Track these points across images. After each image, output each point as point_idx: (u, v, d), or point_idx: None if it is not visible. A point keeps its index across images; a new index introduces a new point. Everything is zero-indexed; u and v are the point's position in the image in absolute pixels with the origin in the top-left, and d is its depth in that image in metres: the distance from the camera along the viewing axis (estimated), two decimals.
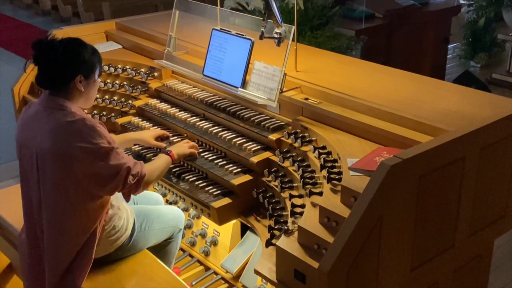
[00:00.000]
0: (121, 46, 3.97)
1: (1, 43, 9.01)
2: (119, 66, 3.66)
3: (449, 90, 2.84)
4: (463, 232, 2.32)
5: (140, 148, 3.11)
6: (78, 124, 2.39)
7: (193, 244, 3.51)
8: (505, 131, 2.33)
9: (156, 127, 3.21)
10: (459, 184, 2.22)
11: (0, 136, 5.55)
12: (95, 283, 2.62)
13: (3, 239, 3.10)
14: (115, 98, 3.56)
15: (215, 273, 3.35)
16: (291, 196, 2.43)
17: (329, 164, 2.34)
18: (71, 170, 2.38)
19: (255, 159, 2.70)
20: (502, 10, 7.04)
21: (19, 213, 2.65)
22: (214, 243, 3.40)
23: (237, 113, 3.00)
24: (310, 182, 2.38)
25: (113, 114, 3.48)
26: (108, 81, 3.63)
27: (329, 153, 2.47)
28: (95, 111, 3.53)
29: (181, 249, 3.46)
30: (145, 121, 3.29)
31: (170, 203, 3.55)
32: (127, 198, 2.56)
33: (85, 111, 3.47)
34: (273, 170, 2.66)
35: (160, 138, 3.06)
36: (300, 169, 2.49)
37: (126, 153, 3.05)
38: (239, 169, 2.73)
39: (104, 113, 3.51)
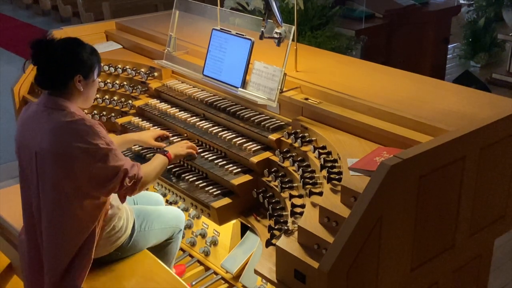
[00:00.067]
0: (121, 46, 3.97)
1: (1, 43, 9.01)
2: (119, 66, 3.66)
3: (449, 90, 2.84)
4: (463, 232, 2.32)
5: (140, 148, 3.11)
6: (77, 124, 2.39)
7: (193, 244, 3.51)
8: (505, 131, 2.33)
9: (156, 127, 3.21)
10: (459, 184, 2.22)
11: (0, 136, 5.55)
12: (95, 283, 2.62)
13: (3, 239, 3.10)
14: (115, 98, 3.56)
15: (215, 273, 3.35)
16: (291, 196, 2.43)
17: (329, 164, 2.34)
18: (71, 170, 2.38)
19: (255, 159, 2.70)
20: (502, 10, 7.04)
21: (19, 213, 2.65)
22: (214, 243, 3.40)
23: (237, 113, 3.00)
24: (310, 182, 2.38)
25: (113, 114, 3.48)
26: (108, 81, 3.63)
27: (329, 153, 2.47)
28: (95, 111, 3.53)
29: (181, 249, 3.46)
30: (145, 121, 3.29)
31: (170, 203, 3.55)
32: (122, 200, 2.56)
33: (85, 111, 3.49)
34: (273, 170, 2.66)
35: (160, 138, 3.06)
36: (300, 169, 2.49)
37: (126, 153, 3.07)
38: (239, 169, 2.73)
39: (104, 113, 3.51)
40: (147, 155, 3.02)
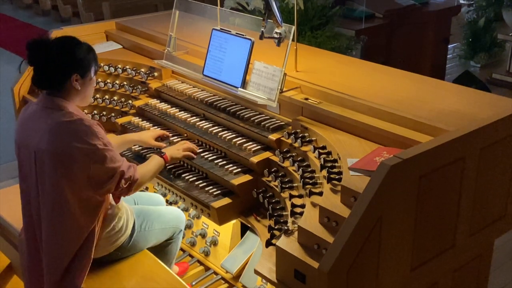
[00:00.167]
0: (121, 46, 3.97)
1: (1, 43, 9.02)
2: (119, 66, 3.66)
3: (449, 90, 2.84)
4: (463, 232, 2.32)
5: (140, 148, 3.11)
6: (76, 124, 2.39)
7: (193, 244, 3.51)
8: (505, 131, 2.33)
9: (156, 127, 3.21)
10: (459, 184, 2.21)
11: (0, 136, 5.55)
12: (95, 283, 2.62)
13: (3, 239, 3.10)
14: (115, 98, 3.56)
15: (215, 273, 3.35)
16: (291, 196, 2.43)
17: (329, 164, 2.34)
18: (70, 170, 2.38)
19: (255, 159, 2.70)
20: (502, 10, 7.03)
21: (19, 213, 2.65)
22: (214, 243, 3.40)
23: (237, 113, 3.00)
24: (310, 182, 2.38)
25: (113, 114, 3.48)
26: (108, 81, 3.63)
27: (329, 153, 2.47)
28: (95, 111, 3.53)
29: (181, 249, 3.45)
30: (145, 121, 3.29)
31: (170, 203, 3.55)
32: (116, 200, 2.56)
33: (85, 111, 3.50)
34: (273, 170, 2.66)
35: (160, 138, 3.06)
36: (300, 169, 2.49)
37: (126, 153, 3.07)
38: (239, 169, 2.73)
39: (104, 113, 3.51)
40: (147, 155, 3.01)
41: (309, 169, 2.49)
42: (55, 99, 2.46)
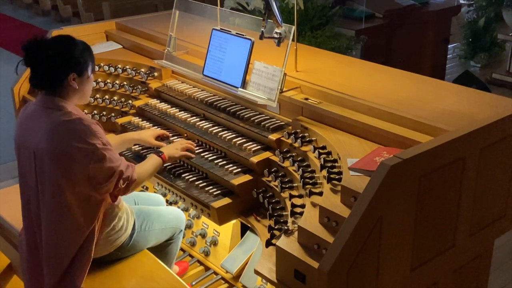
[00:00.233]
0: (121, 46, 3.97)
1: (1, 43, 9.02)
2: (119, 66, 3.66)
3: (449, 90, 2.84)
4: (463, 232, 2.32)
5: (140, 148, 3.11)
6: (75, 124, 2.39)
7: (193, 244, 3.51)
8: (505, 131, 2.33)
9: (156, 127, 3.21)
10: (459, 184, 2.21)
11: (0, 136, 5.55)
12: (95, 283, 2.62)
13: (3, 239, 3.10)
14: (115, 98, 3.56)
15: (215, 273, 3.35)
16: (291, 196, 2.43)
17: (329, 164, 2.34)
18: (69, 170, 2.38)
19: (255, 159, 2.70)
20: (502, 10, 7.03)
21: (19, 213, 2.64)
22: (214, 243, 3.40)
23: (237, 113, 3.00)
24: (310, 182, 2.38)
25: (113, 114, 3.48)
26: (108, 81, 3.63)
27: (329, 153, 2.47)
28: (95, 111, 3.53)
29: (181, 249, 3.45)
30: (145, 121, 3.29)
31: (170, 203, 3.55)
32: (113, 199, 2.56)
33: (85, 111, 3.50)
34: (273, 170, 2.66)
35: (160, 138, 3.06)
36: (300, 169, 2.49)
37: (125, 153, 3.07)
38: (239, 169, 2.73)
39: (104, 113, 3.51)
40: (147, 155, 3.01)
41: (309, 169, 2.49)
42: (54, 99, 2.46)
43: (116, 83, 3.59)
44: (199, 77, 3.23)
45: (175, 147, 2.85)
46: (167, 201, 3.49)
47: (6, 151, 5.17)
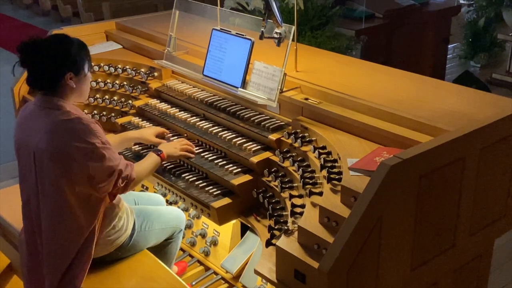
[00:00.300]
0: (121, 46, 3.97)
1: (1, 43, 9.02)
2: (119, 66, 3.66)
3: (449, 90, 2.84)
4: (463, 232, 2.32)
5: (141, 148, 3.11)
6: (74, 123, 2.39)
7: (193, 244, 3.51)
8: (505, 131, 2.33)
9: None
10: (459, 184, 2.21)
11: (0, 136, 5.55)
12: (95, 283, 2.62)
13: (3, 239, 3.10)
14: (115, 98, 3.56)
15: (215, 273, 3.35)
16: (291, 196, 2.43)
17: (329, 164, 2.34)
18: (69, 170, 2.38)
19: (255, 159, 2.70)
20: (502, 10, 7.03)
21: (19, 213, 2.64)
22: (214, 243, 3.40)
23: (237, 113, 3.00)
24: (310, 182, 2.38)
25: (113, 114, 3.48)
26: (108, 81, 3.63)
27: (329, 153, 2.47)
28: (95, 111, 3.53)
29: (181, 249, 3.45)
30: (145, 121, 3.29)
31: (170, 203, 3.55)
32: (111, 198, 2.56)
33: (85, 111, 3.50)
34: (273, 170, 2.66)
35: (160, 136, 3.06)
36: (300, 169, 2.49)
37: (125, 153, 3.07)
38: (239, 169, 2.73)
39: (104, 113, 3.51)
40: (147, 155, 3.01)
41: (309, 169, 2.49)
42: (52, 99, 2.45)
43: (116, 83, 3.58)
44: (199, 77, 3.23)
45: (174, 146, 2.85)
46: (167, 201, 3.49)
47: (6, 151, 5.16)
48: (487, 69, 7.18)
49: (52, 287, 2.50)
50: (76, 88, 2.50)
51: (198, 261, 3.46)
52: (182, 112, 3.23)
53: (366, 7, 5.99)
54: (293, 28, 2.82)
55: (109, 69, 3.63)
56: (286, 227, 2.25)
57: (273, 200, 2.55)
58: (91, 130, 2.39)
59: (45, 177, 2.42)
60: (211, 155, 2.89)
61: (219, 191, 2.68)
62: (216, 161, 2.82)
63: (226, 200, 2.63)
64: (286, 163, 2.61)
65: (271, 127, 2.82)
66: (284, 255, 2.14)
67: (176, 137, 3.08)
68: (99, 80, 3.63)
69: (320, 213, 2.15)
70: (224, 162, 2.81)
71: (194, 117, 3.15)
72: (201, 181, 2.77)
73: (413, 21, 6.13)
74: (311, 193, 2.29)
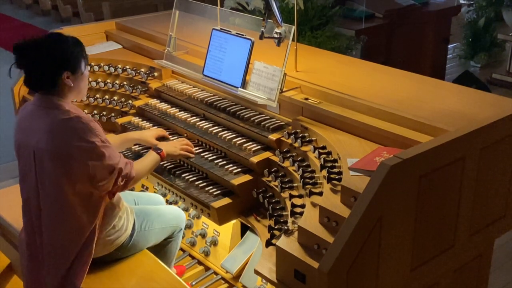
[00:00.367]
0: (121, 46, 3.97)
1: (1, 43, 9.02)
2: (119, 66, 3.66)
3: (449, 90, 2.84)
4: (463, 232, 2.32)
5: (141, 148, 3.11)
6: (73, 122, 2.39)
7: (193, 244, 3.51)
8: (505, 131, 2.33)
9: (156, 127, 3.21)
10: (459, 184, 2.21)
11: (0, 136, 5.55)
12: (95, 283, 2.62)
13: (3, 239, 3.10)
14: (115, 98, 3.56)
15: (215, 273, 3.35)
16: (291, 196, 2.43)
17: (329, 164, 2.34)
18: (69, 169, 2.38)
19: (255, 159, 2.70)
20: (502, 10, 7.04)
21: (19, 213, 2.64)
22: (214, 243, 3.40)
23: (237, 113, 3.00)
24: (310, 182, 2.38)
25: (113, 114, 3.48)
26: (108, 81, 3.63)
27: (329, 153, 2.47)
28: (95, 111, 3.53)
29: (181, 249, 3.45)
30: (145, 121, 3.29)
31: (170, 203, 3.55)
32: (110, 196, 2.56)
33: (85, 111, 3.50)
34: (273, 170, 2.66)
35: (161, 138, 3.06)
36: (300, 169, 2.49)
37: (125, 153, 3.07)
38: (239, 169, 2.73)
39: (104, 113, 3.51)
40: None
41: (309, 169, 2.49)
42: (51, 98, 2.45)
43: (116, 83, 3.58)
44: (199, 77, 3.23)
45: (174, 145, 2.85)
46: (167, 201, 3.49)
47: (6, 151, 5.16)
48: (487, 69, 7.18)
49: (53, 286, 2.50)
50: (74, 87, 2.49)
51: (198, 261, 3.46)
52: (182, 112, 3.23)
53: (366, 7, 5.99)
54: (293, 28, 2.82)
55: (109, 69, 3.63)
56: (286, 227, 2.25)
57: (273, 200, 2.55)
58: (90, 128, 2.39)
59: (46, 176, 2.42)
60: (211, 155, 2.89)
61: (219, 191, 2.68)
62: (216, 161, 2.82)
63: (226, 200, 2.63)
64: (286, 163, 2.61)
65: (271, 127, 2.82)
66: (284, 255, 2.14)
67: (176, 137, 3.08)
68: (99, 80, 3.63)
69: (320, 213, 2.15)
70: (224, 162, 2.81)
71: (194, 117, 3.15)
72: (201, 181, 2.77)
73: (413, 21, 6.13)
74: (311, 193, 2.29)
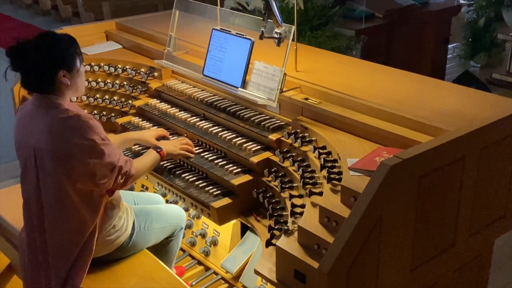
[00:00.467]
0: (121, 46, 3.97)
1: (1, 43, 9.01)
2: (119, 66, 3.66)
3: (449, 90, 2.84)
4: (463, 232, 2.32)
5: (141, 148, 3.11)
6: (73, 121, 2.39)
7: (193, 244, 3.51)
8: (505, 131, 2.33)
9: (156, 127, 3.21)
10: (459, 184, 2.21)
11: (0, 136, 5.55)
12: (95, 283, 2.62)
13: (3, 239, 3.10)
14: (115, 98, 3.56)
15: (215, 273, 3.35)
16: (291, 196, 2.43)
17: (329, 164, 2.34)
18: (70, 167, 2.38)
19: (255, 159, 2.70)
20: (502, 10, 7.03)
21: (19, 213, 2.65)
22: (214, 243, 3.40)
23: (237, 113, 3.00)
24: (310, 182, 2.38)
25: (113, 114, 3.48)
26: (108, 81, 3.63)
27: (329, 153, 2.47)
28: (95, 111, 3.54)
29: (181, 249, 3.45)
30: (145, 121, 3.29)
31: (170, 203, 3.55)
32: (110, 194, 2.56)
33: (85, 111, 3.49)
34: (273, 170, 2.66)
35: (161, 138, 3.06)
36: (300, 169, 2.49)
37: (126, 153, 3.07)
38: (239, 169, 2.73)
39: (104, 113, 3.51)
40: None
41: (309, 169, 2.49)
42: (49, 97, 2.45)
43: (116, 83, 3.59)
44: (199, 77, 3.23)
45: (174, 145, 2.85)
46: (167, 201, 3.49)
47: (6, 151, 5.17)
48: (487, 69, 7.17)
49: (53, 286, 2.50)
50: (71, 85, 2.49)
51: (198, 261, 3.46)
52: (182, 112, 3.23)
53: (366, 7, 5.99)
54: (293, 28, 2.82)
55: (109, 69, 3.64)
56: (286, 227, 2.25)
57: (273, 200, 2.55)
58: (90, 126, 2.39)
59: (47, 176, 2.42)
60: (211, 155, 2.89)
61: (219, 191, 2.68)
62: (216, 161, 2.82)
63: (226, 200, 2.63)
64: (286, 163, 2.61)
65: (271, 127, 2.82)
66: (284, 255, 2.14)
67: (176, 137, 3.08)
68: (99, 80, 3.63)
69: (320, 213, 2.15)
70: (224, 162, 2.81)
71: (194, 117, 3.15)
72: (201, 181, 2.77)
73: (413, 21, 6.13)
74: (311, 193, 2.29)
